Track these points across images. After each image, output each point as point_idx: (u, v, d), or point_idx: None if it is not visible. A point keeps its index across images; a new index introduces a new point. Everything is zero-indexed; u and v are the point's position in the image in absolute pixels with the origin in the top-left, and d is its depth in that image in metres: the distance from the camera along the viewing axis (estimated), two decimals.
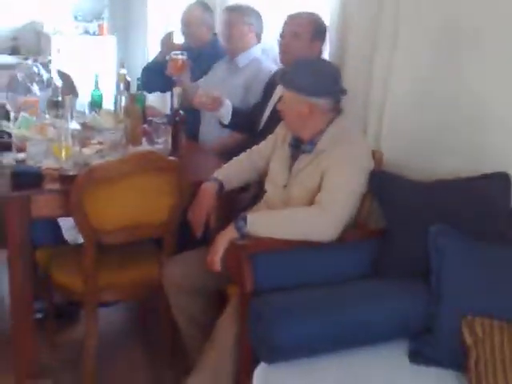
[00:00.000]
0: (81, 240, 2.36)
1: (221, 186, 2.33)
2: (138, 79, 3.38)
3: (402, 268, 1.93)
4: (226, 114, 2.89)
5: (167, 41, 3.71)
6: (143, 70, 3.85)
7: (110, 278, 2.36)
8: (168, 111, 3.81)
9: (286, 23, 2.79)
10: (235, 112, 2.90)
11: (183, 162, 2.46)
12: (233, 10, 3.23)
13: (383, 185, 2.07)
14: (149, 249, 2.56)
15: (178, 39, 3.75)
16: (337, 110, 2.17)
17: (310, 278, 1.90)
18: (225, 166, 2.43)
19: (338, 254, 1.98)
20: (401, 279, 1.89)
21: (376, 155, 2.21)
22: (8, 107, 2.77)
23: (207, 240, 2.22)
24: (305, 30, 2.71)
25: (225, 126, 2.98)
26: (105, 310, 2.66)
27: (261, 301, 1.78)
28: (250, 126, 2.92)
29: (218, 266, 2.01)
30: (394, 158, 2.31)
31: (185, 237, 2.36)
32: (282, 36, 2.79)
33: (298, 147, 2.20)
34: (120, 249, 2.41)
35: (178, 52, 3.17)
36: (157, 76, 3.64)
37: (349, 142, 2.12)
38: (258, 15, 3.24)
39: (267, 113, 2.85)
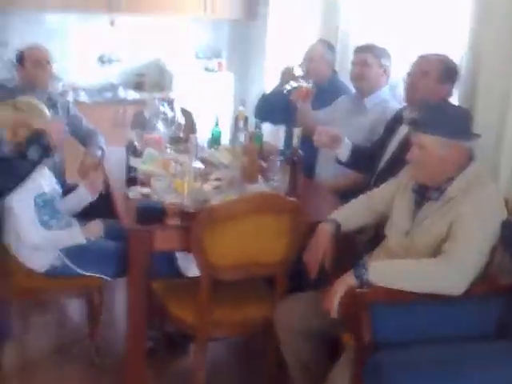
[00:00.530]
0: (194, 271, 2.42)
1: (338, 227, 2.30)
2: (256, 119, 3.46)
3: None
4: (344, 151, 2.89)
5: (288, 72, 3.80)
6: (260, 98, 3.97)
7: (222, 315, 2.40)
8: (281, 146, 3.88)
9: (415, 62, 2.74)
10: (354, 150, 2.89)
11: (301, 202, 2.47)
12: (370, 51, 3.20)
13: None
14: (261, 287, 2.58)
15: (298, 72, 3.82)
16: (470, 156, 2.10)
17: (429, 331, 1.82)
18: (343, 207, 2.41)
19: (462, 308, 1.89)
20: None
21: (509, 204, 2.11)
22: (136, 144, 2.91)
23: (321, 282, 2.19)
24: (433, 70, 2.64)
25: (342, 164, 2.97)
26: (213, 343, 2.70)
27: (378, 355, 1.72)
28: (368, 164, 2.89)
29: (334, 312, 1.97)
30: None
31: (298, 277, 2.36)
32: (409, 74, 2.74)
33: (423, 193, 2.13)
34: (233, 286, 2.45)
35: (304, 81, 3.20)
36: (272, 107, 3.76)
37: (480, 191, 2.02)
38: (390, 57, 3.23)
39: (389, 152, 2.80)
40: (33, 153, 2.52)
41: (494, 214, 1.99)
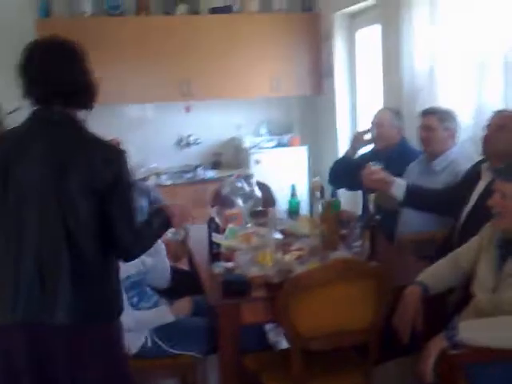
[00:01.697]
0: (284, 345, 2.42)
1: (425, 289, 2.28)
2: (332, 186, 3.51)
3: None
4: (398, 190, 2.97)
5: (359, 136, 3.88)
6: (333, 164, 4.05)
7: None
8: (359, 211, 3.90)
9: (492, 116, 2.79)
10: (410, 189, 2.97)
11: (384, 267, 2.46)
12: (434, 114, 3.26)
13: None
14: (353, 356, 2.54)
15: (367, 136, 3.89)
16: None
17: None
18: (429, 268, 2.38)
19: None
20: None
21: None
22: (217, 220, 3.01)
23: (413, 347, 2.15)
24: (509, 123, 2.66)
25: (401, 205, 3.03)
26: None
27: None
28: (429, 203, 2.95)
29: (429, 376, 1.93)
30: None
31: (390, 343, 2.32)
32: (487, 127, 2.78)
33: (507, 248, 2.10)
34: (326, 356, 2.43)
35: (373, 162, 3.25)
36: (345, 172, 3.82)
37: None
38: (455, 117, 3.27)
39: (469, 206, 2.78)
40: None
41: None
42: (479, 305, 2.15)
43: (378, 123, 3.77)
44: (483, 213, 2.24)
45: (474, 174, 2.84)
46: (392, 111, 3.82)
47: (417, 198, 2.97)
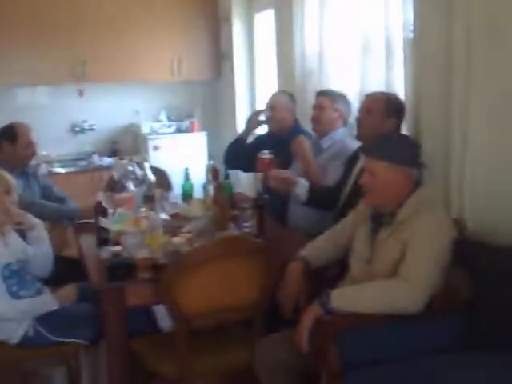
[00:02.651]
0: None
1: (307, 264, 2.33)
2: (225, 169, 3.52)
3: (492, 341, 1.82)
4: (301, 191, 2.98)
5: (254, 117, 3.90)
6: (228, 146, 4.06)
7: (203, 364, 2.38)
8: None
9: (363, 100, 2.92)
10: (312, 189, 2.98)
11: (270, 245, 2.49)
12: (326, 95, 3.35)
13: (469, 253, 2.02)
14: (238, 332, 2.57)
15: (262, 117, 3.92)
16: (417, 182, 2.19)
17: (400, 350, 1.83)
18: (309, 244, 2.44)
19: (425, 327, 1.91)
20: (490, 353, 1.78)
21: (458, 224, 2.19)
22: (105, 205, 2.93)
23: (297, 320, 2.19)
24: (377, 107, 2.78)
25: (304, 204, 3.03)
26: None
27: (350, 380, 1.71)
28: (330, 202, 2.95)
29: (305, 345, 1.98)
30: (480, 225, 2.27)
31: (273, 318, 2.35)
32: (358, 111, 2.90)
33: (378, 221, 2.20)
34: (211, 334, 2.44)
35: (266, 151, 3.27)
36: (240, 154, 3.84)
37: (428, 213, 2.11)
38: (347, 101, 3.37)
39: (347, 189, 2.88)
40: None
41: (442, 233, 2.07)
42: (354, 275, 2.24)
43: (271, 106, 3.81)
44: (359, 192, 2.33)
45: (353, 157, 2.95)
46: (286, 94, 3.87)
47: (318, 197, 3.01)
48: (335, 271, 2.52)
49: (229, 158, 3.99)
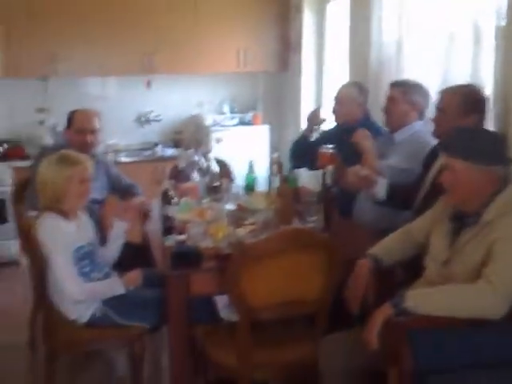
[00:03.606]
0: (235, 318, 2.40)
1: (377, 262, 2.28)
2: (290, 162, 3.49)
3: None
4: (380, 190, 2.85)
5: (313, 115, 3.83)
6: (292, 145, 3.98)
7: (264, 356, 2.36)
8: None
9: (439, 96, 2.76)
10: (392, 188, 2.85)
11: (336, 239, 2.45)
12: (398, 87, 3.21)
13: None
14: (302, 326, 2.54)
15: (324, 114, 3.85)
16: (505, 180, 2.08)
17: (475, 357, 1.75)
18: (381, 242, 2.38)
19: (506, 333, 1.81)
20: None
21: None
22: (171, 193, 2.96)
23: (365, 319, 2.14)
24: (451, 106, 2.63)
25: (380, 204, 2.92)
26: None
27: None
28: (407, 202, 2.81)
29: (374, 344, 1.93)
30: None
31: (339, 314, 2.31)
32: (436, 109, 2.76)
33: (460, 221, 2.11)
34: (273, 327, 2.42)
35: (327, 146, 3.22)
36: (304, 152, 3.75)
37: None
38: (424, 92, 3.20)
39: (425, 187, 2.74)
40: None
41: None
42: (430, 277, 2.16)
43: (337, 99, 3.72)
44: (438, 191, 2.23)
45: (432, 154, 2.79)
46: (356, 87, 3.72)
47: (397, 197, 2.86)
48: (407, 271, 2.45)
49: (294, 157, 3.89)
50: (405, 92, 3.16)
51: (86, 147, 3.32)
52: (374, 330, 1.94)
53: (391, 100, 3.20)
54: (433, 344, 1.80)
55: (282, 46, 5.46)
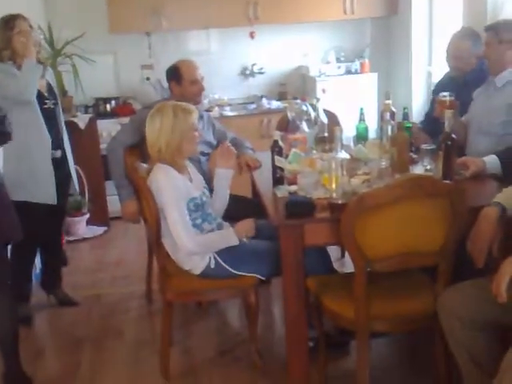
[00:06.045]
0: (348, 270, 2.33)
1: (503, 211, 2.11)
2: (404, 108, 3.31)
3: None
4: (495, 168, 2.70)
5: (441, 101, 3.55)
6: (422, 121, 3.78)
7: (381, 308, 2.29)
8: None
9: None
10: (503, 163, 2.69)
11: (458, 187, 2.30)
12: (489, 30, 3.04)
13: None
14: (421, 278, 2.44)
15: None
16: None
17: None
18: (507, 189, 2.20)
19: None
20: None
21: None
22: (280, 144, 2.90)
23: (489, 269, 2.01)
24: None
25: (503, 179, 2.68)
26: (376, 342, 2.58)
27: None
28: None
29: (503, 296, 1.80)
30: None
31: (462, 266, 2.18)
32: None
33: None
34: (391, 278, 2.34)
35: (446, 93, 3.07)
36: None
37: None
38: None
39: None
40: None
41: None
42: None
43: (455, 56, 3.48)
44: None
45: None
46: (470, 39, 3.46)
47: None
48: None
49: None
50: (497, 32, 2.97)
51: (199, 97, 3.39)
52: (502, 283, 1.81)
53: (486, 45, 3.04)
54: None
55: None
